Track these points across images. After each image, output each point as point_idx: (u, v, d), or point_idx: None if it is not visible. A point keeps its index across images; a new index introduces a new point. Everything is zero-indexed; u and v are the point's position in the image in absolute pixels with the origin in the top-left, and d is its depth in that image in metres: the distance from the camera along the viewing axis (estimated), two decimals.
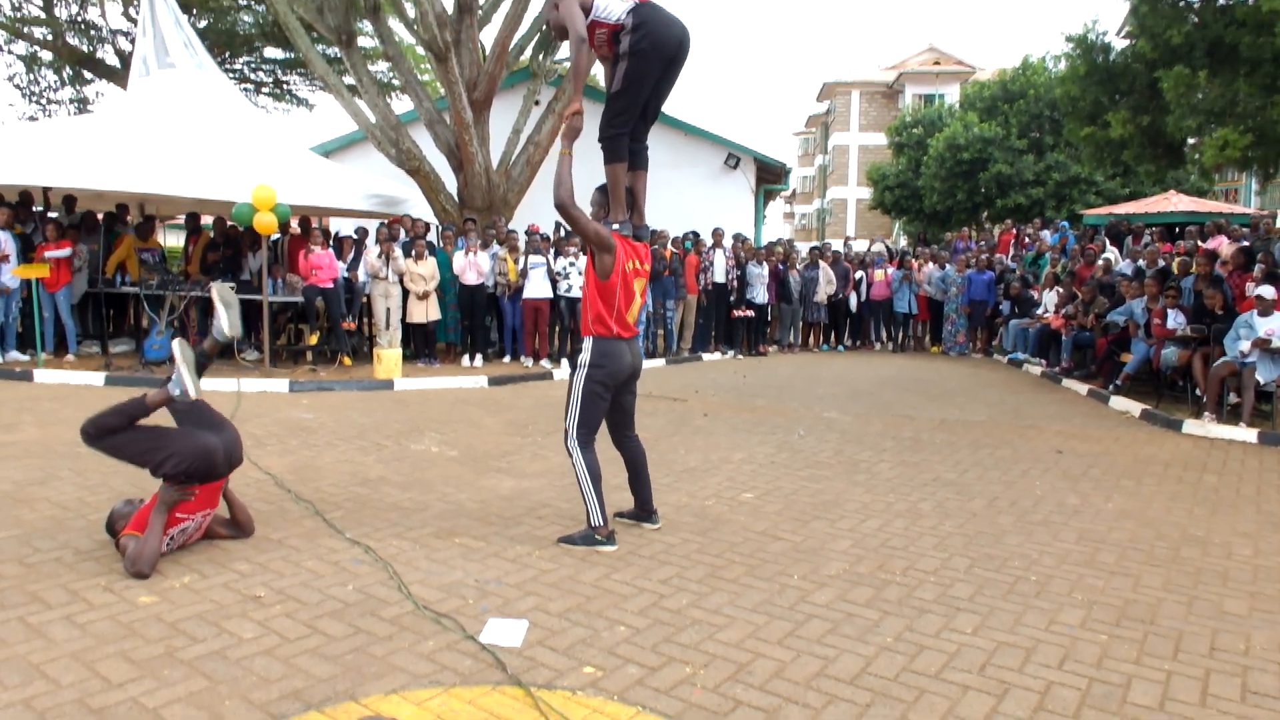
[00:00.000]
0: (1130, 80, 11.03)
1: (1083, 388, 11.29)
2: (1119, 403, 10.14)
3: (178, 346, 4.27)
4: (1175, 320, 9.87)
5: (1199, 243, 12.55)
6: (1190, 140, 10.40)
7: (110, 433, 4.17)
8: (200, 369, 4.39)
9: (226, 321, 4.51)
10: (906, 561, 4.60)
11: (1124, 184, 25.72)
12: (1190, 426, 8.66)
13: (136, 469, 4.32)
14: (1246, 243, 11.72)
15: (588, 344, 4.65)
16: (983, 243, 19.03)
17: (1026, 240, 17.73)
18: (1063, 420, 9.22)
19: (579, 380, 4.67)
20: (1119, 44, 11.99)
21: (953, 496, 5.94)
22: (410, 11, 13.20)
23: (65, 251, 10.65)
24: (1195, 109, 9.37)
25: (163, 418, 4.39)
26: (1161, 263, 12.12)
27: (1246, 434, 8.31)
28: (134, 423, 4.21)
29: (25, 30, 23.04)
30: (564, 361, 12.20)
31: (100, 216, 12.15)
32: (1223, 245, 12.20)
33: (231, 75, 24.74)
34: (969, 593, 4.16)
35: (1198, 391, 9.18)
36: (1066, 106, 12.53)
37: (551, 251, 12.23)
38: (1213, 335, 9.29)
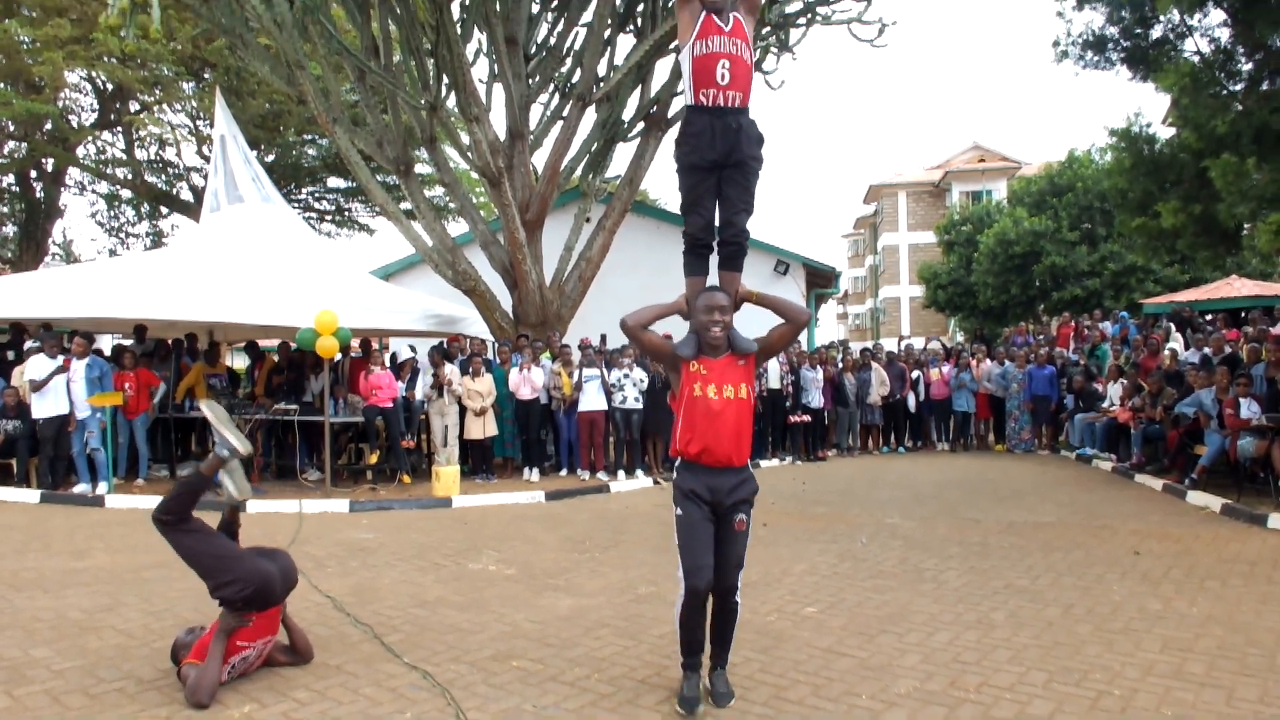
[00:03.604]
0: (1178, 170, 10.98)
1: (1157, 483, 10.90)
2: (1196, 497, 9.75)
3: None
4: (1249, 409, 9.54)
5: (1268, 328, 12.23)
6: (1245, 226, 10.24)
7: (182, 516, 4.27)
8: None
9: (234, 488, 4.54)
10: (980, 677, 4.40)
11: (1183, 270, 25.33)
12: (1276, 521, 8.26)
13: (200, 593, 4.37)
14: None
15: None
16: (1041, 336, 18.77)
17: (1085, 332, 17.45)
18: (1138, 518, 8.87)
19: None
20: (1164, 133, 11.99)
21: (1026, 605, 5.71)
22: (464, 139, 13.79)
23: (160, 389, 11.32)
24: (1246, 195, 9.28)
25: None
26: (1229, 350, 11.81)
27: None
28: (198, 496, 4.32)
29: (108, 171, 24.57)
30: (620, 473, 12.17)
31: (170, 343, 12.65)
32: None
33: (297, 204, 26.00)
34: (1048, 710, 3.96)
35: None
36: (1116, 199, 12.51)
37: (604, 363, 12.35)
38: None
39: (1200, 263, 21.52)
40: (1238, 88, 10.76)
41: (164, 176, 25.32)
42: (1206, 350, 12.24)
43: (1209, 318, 16.20)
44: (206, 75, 22.14)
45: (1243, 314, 16.26)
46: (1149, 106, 29.94)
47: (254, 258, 11.58)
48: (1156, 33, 11.40)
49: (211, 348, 13.17)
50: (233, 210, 12.77)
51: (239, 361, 17.41)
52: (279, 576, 4.34)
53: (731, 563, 4.04)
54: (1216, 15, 10.78)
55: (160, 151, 25.19)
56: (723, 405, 3.99)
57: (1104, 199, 25.02)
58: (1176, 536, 7.91)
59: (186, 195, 25.00)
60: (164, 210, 26.43)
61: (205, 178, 17.62)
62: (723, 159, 4.12)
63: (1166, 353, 12.89)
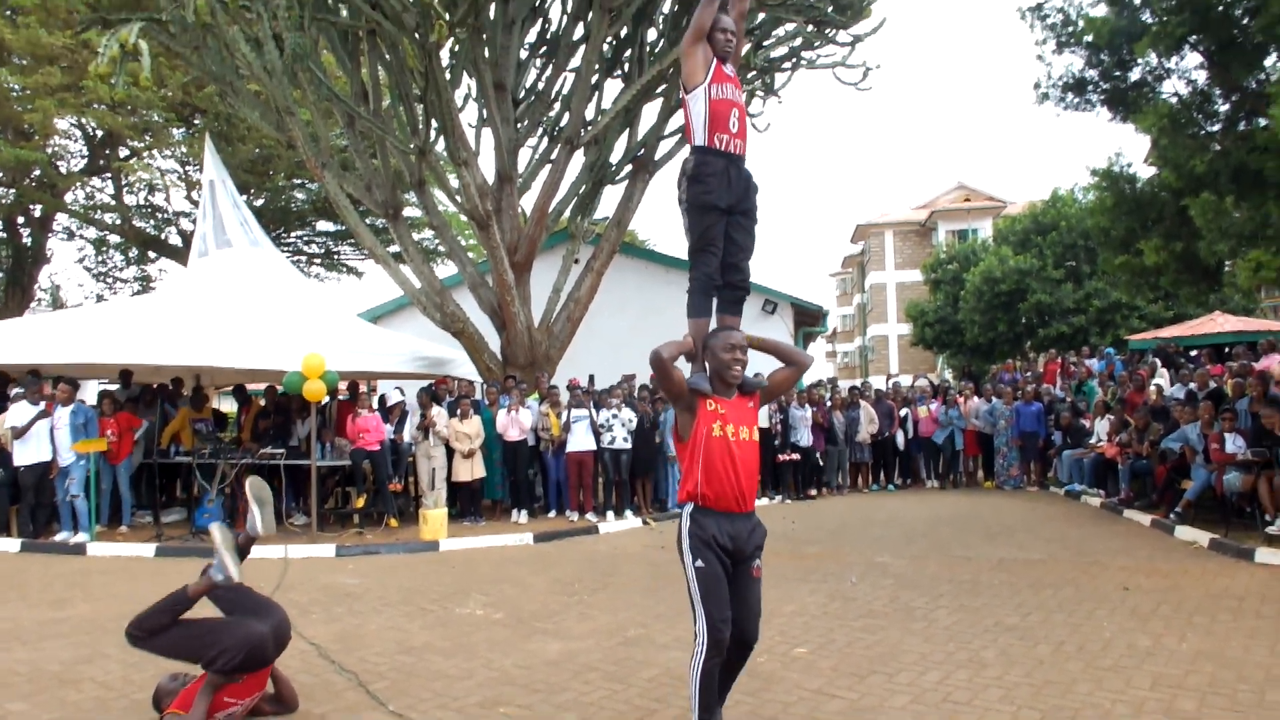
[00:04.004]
0: (1159, 209, 11.14)
1: (1145, 518, 10.90)
2: (1185, 532, 9.75)
3: (217, 531, 4.32)
4: (1234, 444, 9.59)
5: (1250, 363, 12.32)
6: (1226, 263, 10.38)
7: (156, 632, 4.16)
8: (240, 557, 4.43)
9: (260, 520, 4.55)
10: (972, 716, 4.37)
11: (1167, 307, 25.56)
12: (1264, 555, 8.27)
13: None
14: None
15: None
16: (1028, 373, 18.86)
17: (1072, 368, 17.54)
18: (1127, 554, 8.86)
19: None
20: (1145, 173, 12.17)
21: (1016, 643, 5.68)
22: (453, 183, 13.89)
23: (143, 428, 11.22)
24: (1226, 233, 9.41)
25: (205, 607, 4.39)
26: (1213, 385, 11.89)
27: None
28: (178, 618, 4.19)
29: (96, 216, 24.60)
30: (609, 514, 12.12)
31: (156, 388, 12.59)
32: (1274, 364, 11.97)
33: (286, 248, 26.05)
34: None
35: (1267, 517, 8.81)
36: (1099, 237, 12.66)
37: (592, 404, 12.34)
38: (1276, 458, 9.00)
39: (1184, 299, 21.75)
40: (1215, 128, 10.95)
41: (152, 222, 25.35)
42: (1191, 386, 12.31)
43: (1193, 353, 16.31)
44: (196, 121, 22.28)
45: (1226, 349, 16.37)
46: (1129, 147, 30.66)
47: (241, 301, 11.59)
48: (1135, 75, 11.62)
49: (197, 392, 13.11)
50: (221, 255, 12.78)
51: (228, 406, 17.31)
52: (270, 636, 4.24)
53: (754, 611, 3.91)
54: (1193, 58, 11.03)
55: (149, 197, 25.26)
56: (739, 446, 3.89)
57: (1087, 237, 25.28)
58: (1165, 572, 7.90)
59: (175, 240, 25.02)
60: (152, 255, 26.43)
61: (194, 222, 17.69)
62: (736, 204, 4.18)
63: (1152, 388, 12.97)
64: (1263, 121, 9.62)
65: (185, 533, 10.91)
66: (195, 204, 21.32)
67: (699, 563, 3.79)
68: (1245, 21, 10.09)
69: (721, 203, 4.14)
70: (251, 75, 12.25)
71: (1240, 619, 6.18)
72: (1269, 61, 10.16)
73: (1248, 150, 9.79)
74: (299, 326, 11.40)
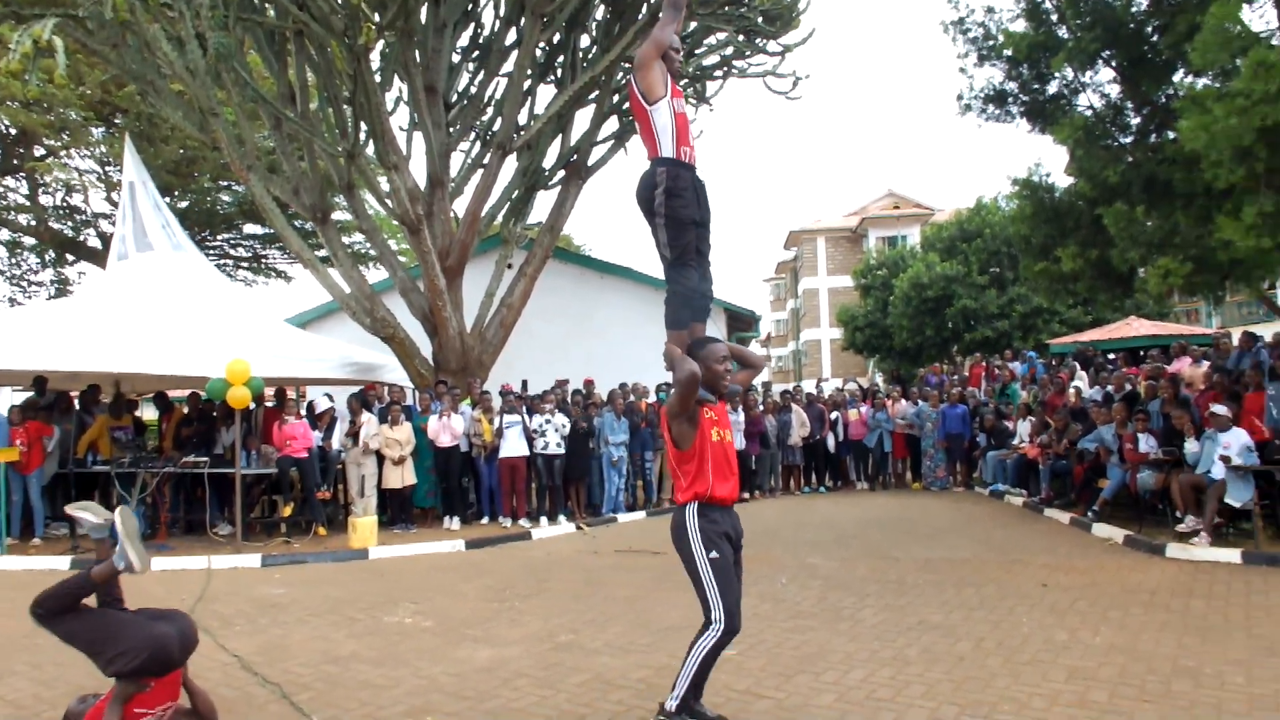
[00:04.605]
0: (1076, 217, 11.50)
1: (1065, 516, 11.25)
2: (1101, 529, 10.10)
3: (119, 517, 4.19)
4: (1147, 444, 9.96)
5: (1164, 366, 12.80)
6: (1139, 270, 10.78)
7: (59, 613, 4.03)
8: (74, 601, 4.12)
9: (134, 554, 4.12)
10: (894, 713, 4.46)
11: (1086, 312, 26.39)
12: (1174, 550, 8.61)
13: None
14: (1206, 363, 12.00)
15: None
16: (955, 376, 19.32)
17: (996, 371, 18.02)
18: (1047, 552, 9.14)
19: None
20: (1063, 182, 12.57)
21: (939, 640, 5.81)
22: (384, 186, 13.71)
23: (54, 436, 10.78)
24: (1137, 241, 9.77)
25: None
26: (1128, 387, 12.33)
27: (1230, 554, 8.26)
28: (80, 600, 4.05)
29: (9, 217, 23.68)
30: (543, 520, 12.08)
31: (72, 395, 12.17)
32: (1185, 367, 12.47)
33: (212, 252, 25.38)
34: None
35: (1178, 514, 9.17)
36: (1020, 244, 13.04)
37: (525, 409, 12.29)
38: (1186, 456, 9.37)
39: (1100, 305, 22.49)
40: (1128, 140, 11.37)
41: (70, 223, 24.49)
42: (1108, 388, 12.75)
43: (1111, 356, 16.90)
44: (117, 120, 21.58)
45: (1141, 353, 17.01)
46: (1049, 157, 31.63)
47: (163, 306, 11.26)
48: (1052, 88, 11.99)
49: (117, 400, 12.71)
50: (142, 258, 12.41)
51: (150, 414, 16.82)
52: (176, 638, 4.13)
53: (740, 595, 4.23)
54: (1106, 73, 11.42)
55: (66, 198, 24.39)
56: (728, 447, 4.26)
57: (1010, 244, 25.99)
58: (1083, 568, 8.16)
59: (94, 242, 24.20)
60: (69, 258, 25.52)
61: (113, 224, 17.13)
62: (702, 219, 4.37)
63: (1072, 391, 13.39)
64: (1171, 134, 10.03)
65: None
66: (115, 205, 20.61)
67: (714, 554, 4.07)
68: (1154, 38, 10.52)
69: (696, 216, 4.31)
70: (173, 75, 11.92)
71: (1151, 612, 6.42)
72: (1177, 77, 10.59)
73: (1158, 161, 10.19)
74: (223, 332, 11.13)
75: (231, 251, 27.36)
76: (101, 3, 11.06)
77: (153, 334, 10.67)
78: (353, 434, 11.44)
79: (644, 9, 13.64)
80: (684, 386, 3.97)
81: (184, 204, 23.32)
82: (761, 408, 15.76)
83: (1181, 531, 8.93)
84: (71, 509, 4.44)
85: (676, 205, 4.23)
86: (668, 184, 4.22)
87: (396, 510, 11.80)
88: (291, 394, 12.47)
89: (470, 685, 5.10)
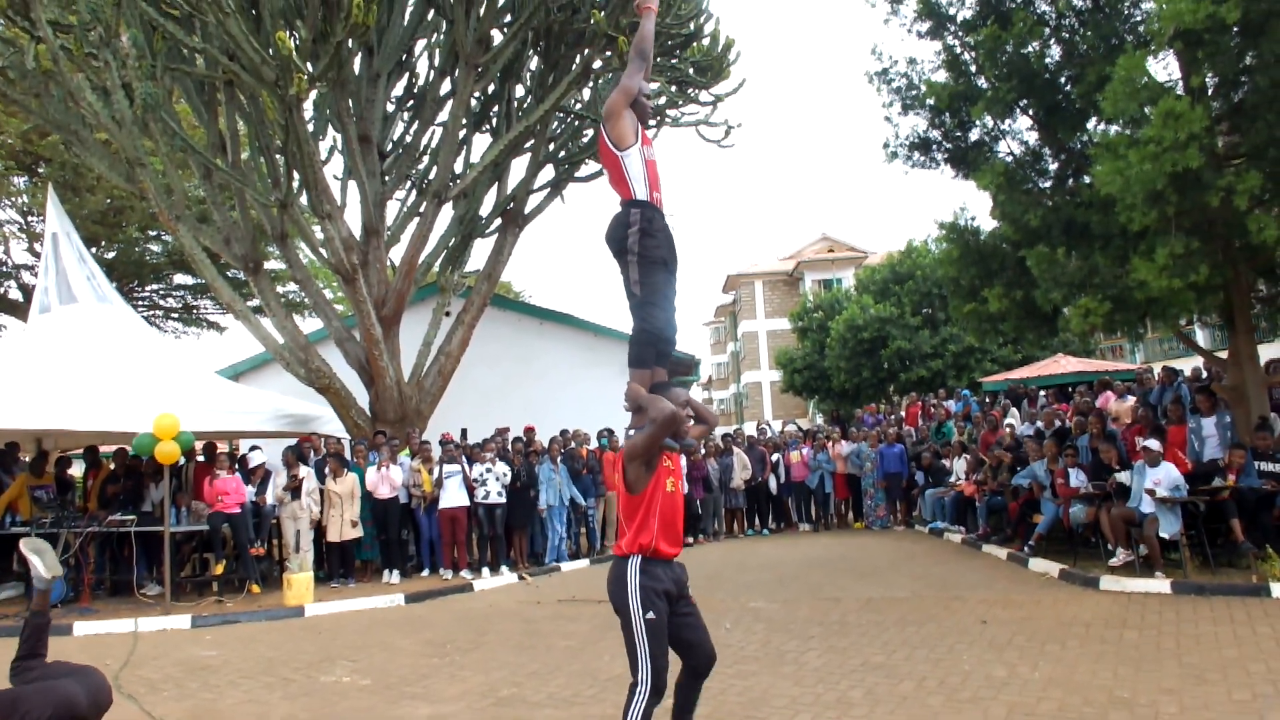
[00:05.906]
0: (1000, 259, 11.83)
1: (1002, 551, 11.44)
2: (1037, 564, 10.28)
3: (25, 544, 4.26)
4: (1077, 478, 10.21)
5: (1091, 401, 13.17)
6: (1063, 310, 11.10)
7: (25, 657, 4.05)
8: (41, 630, 4.23)
9: (43, 565, 4.34)
10: None
11: (1015, 350, 27.10)
12: (1107, 583, 8.79)
13: None
14: (1132, 398, 12.39)
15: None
16: (892, 416, 19.62)
17: (931, 410, 18.36)
18: (985, 587, 9.27)
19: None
20: (988, 225, 12.95)
21: (882, 681, 5.84)
22: (318, 234, 13.58)
23: None
24: (1059, 282, 10.06)
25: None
26: (1058, 423, 12.65)
27: (1161, 585, 8.46)
28: (43, 636, 4.12)
29: None
30: (485, 570, 11.89)
31: None
32: (1109, 402, 12.87)
33: (141, 303, 24.79)
34: None
35: (1110, 547, 9.39)
36: (949, 286, 13.37)
37: (465, 458, 12.14)
38: (1115, 490, 9.62)
39: (1029, 343, 23.14)
40: (1047, 185, 11.79)
41: None
42: (1039, 424, 13.08)
43: (1041, 393, 17.36)
44: (40, 170, 21.10)
45: (1070, 389, 17.51)
46: (973, 201, 32.54)
47: (88, 360, 10.92)
48: (974, 135, 12.40)
49: (39, 457, 12.24)
50: (65, 311, 12.05)
51: (77, 470, 16.23)
52: (85, 697, 3.93)
53: (706, 632, 4.12)
54: (1024, 120, 11.86)
55: None
56: (678, 497, 4.09)
57: (940, 286, 26.66)
58: (1020, 603, 8.29)
59: (15, 294, 23.47)
60: None
61: (35, 276, 16.64)
62: (671, 264, 4.40)
63: (1006, 428, 13.70)
64: (1088, 179, 10.42)
65: (22, 609, 10.08)
66: (37, 257, 20.06)
67: (650, 615, 3.89)
68: (1068, 88, 10.97)
69: (667, 258, 4.34)
70: (99, 125, 11.71)
71: (1087, 644, 6.54)
72: (1090, 124, 11.04)
73: (1075, 205, 10.57)
74: (151, 385, 10.83)
75: (161, 303, 26.75)
76: (23, 52, 10.85)
77: (76, 389, 10.33)
78: (291, 488, 11.18)
79: (576, 60, 13.84)
80: (661, 426, 3.84)
81: (111, 254, 22.80)
82: (703, 452, 15.80)
83: (1113, 565, 9.13)
84: (25, 547, 4.43)
85: (649, 245, 4.28)
86: (642, 224, 4.28)
87: (335, 564, 11.52)
88: (224, 448, 12.14)
89: None
